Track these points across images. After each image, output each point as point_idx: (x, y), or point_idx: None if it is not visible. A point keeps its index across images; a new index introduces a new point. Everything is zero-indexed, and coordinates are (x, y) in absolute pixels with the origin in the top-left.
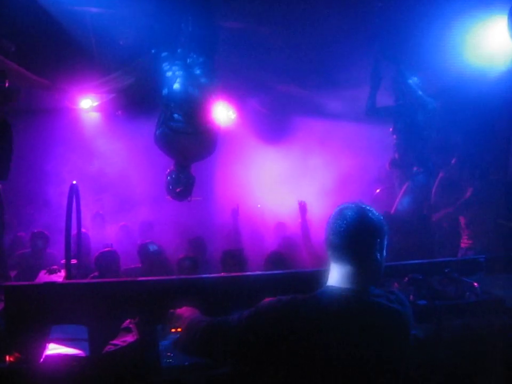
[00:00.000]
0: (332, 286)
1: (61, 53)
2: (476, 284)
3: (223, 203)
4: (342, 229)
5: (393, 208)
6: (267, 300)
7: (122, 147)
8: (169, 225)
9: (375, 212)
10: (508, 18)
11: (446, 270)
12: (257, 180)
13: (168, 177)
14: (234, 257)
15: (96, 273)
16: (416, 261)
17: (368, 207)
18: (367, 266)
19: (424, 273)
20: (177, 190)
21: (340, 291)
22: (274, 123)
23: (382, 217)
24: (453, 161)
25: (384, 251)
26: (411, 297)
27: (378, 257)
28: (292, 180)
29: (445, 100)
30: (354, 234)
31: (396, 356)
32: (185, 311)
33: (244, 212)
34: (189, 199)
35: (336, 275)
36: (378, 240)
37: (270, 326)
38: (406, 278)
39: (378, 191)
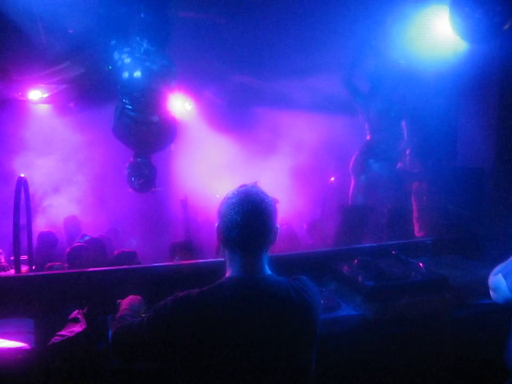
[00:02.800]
0: (227, 277)
1: (7, 41)
2: (421, 264)
3: (179, 194)
4: (228, 218)
5: (350, 199)
6: (168, 298)
7: (76, 139)
8: (130, 217)
9: (262, 195)
10: (450, 8)
11: (394, 252)
12: (214, 170)
13: (129, 170)
14: (183, 249)
15: (53, 264)
16: (366, 245)
17: (254, 191)
18: (260, 254)
19: (373, 255)
20: (140, 181)
21: (235, 283)
22: (230, 114)
23: (269, 200)
24: (407, 151)
25: (276, 237)
26: (360, 278)
27: (270, 244)
28: (249, 170)
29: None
30: (242, 223)
31: (295, 346)
32: (128, 300)
33: (201, 202)
34: (152, 189)
35: (231, 265)
36: (267, 225)
37: (167, 326)
38: (356, 261)
39: (332, 179)
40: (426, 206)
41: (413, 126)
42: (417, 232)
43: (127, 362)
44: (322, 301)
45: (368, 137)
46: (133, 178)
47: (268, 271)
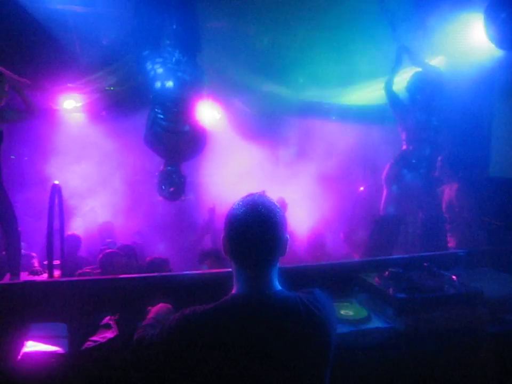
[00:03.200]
0: (233, 294)
1: (43, 52)
2: (454, 277)
3: (208, 202)
4: (233, 230)
5: (382, 208)
6: (175, 315)
7: (109, 148)
8: (159, 223)
9: (269, 205)
10: (484, 16)
11: (426, 264)
12: (242, 178)
13: (160, 178)
14: (211, 257)
15: (84, 270)
16: (397, 256)
17: (260, 201)
18: (267, 268)
19: (404, 267)
20: (170, 190)
21: (239, 300)
22: (259, 123)
23: (277, 209)
24: (439, 159)
25: (285, 248)
26: (391, 290)
27: (279, 256)
28: (277, 179)
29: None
30: (247, 236)
31: (305, 365)
32: (156, 308)
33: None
34: (182, 198)
35: (239, 280)
36: (275, 237)
37: (171, 343)
38: (386, 272)
39: (362, 188)
40: (458, 216)
41: (447, 135)
42: (451, 243)
43: (142, 372)
44: (352, 313)
45: (404, 147)
46: (163, 187)
47: (276, 286)
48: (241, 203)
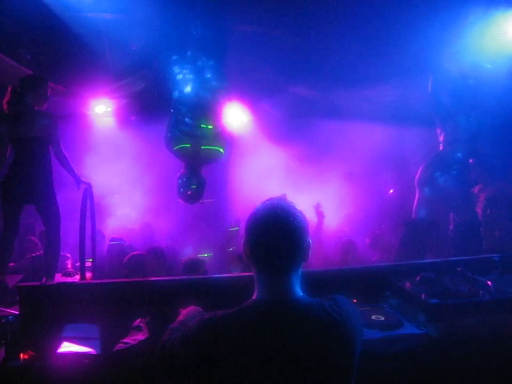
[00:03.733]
0: (253, 300)
1: (75, 59)
2: (489, 283)
3: (235, 206)
4: (254, 235)
5: (414, 211)
6: (195, 319)
7: (137, 152)
8: (185, 227)
9: (290, 209)
10: None
11: (459, 269)
12: (270, 182)
13: (179, 181)
14: (240, 261)
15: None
16: (429, 260)
17: (281, 205)
18: (289, 274)
19: (437, 272)
20: (189, 192)
21: (259, 307)
22: (287, 125)
23: (298, 214)
24: (470, 161)
25: (308, 253)
26: (423, 295)
27: (301, 262)
28: (306, 182)
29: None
30: (268, 241)
31: (328, 374)
32: (186, 311)
33: None
34: (200, 201)
35: (259, 286)
36: (296, 242)
37: (191, 347)
38: (418, 277)
39: (391, 191)
40: (490, 220)
41: (484, 137)
42: (486, 247)
43: (167, 375)
44: (383, 318)
45: (441, 148)
46: (182, 189)
47: (298, 292)
48: (261, 207)
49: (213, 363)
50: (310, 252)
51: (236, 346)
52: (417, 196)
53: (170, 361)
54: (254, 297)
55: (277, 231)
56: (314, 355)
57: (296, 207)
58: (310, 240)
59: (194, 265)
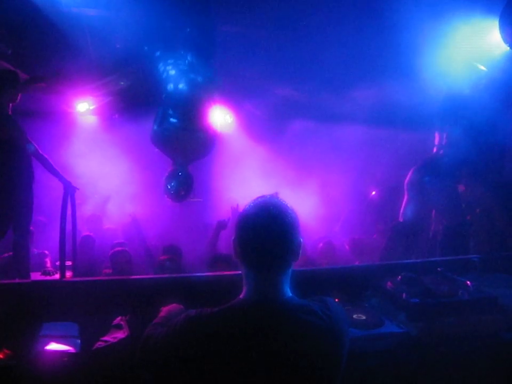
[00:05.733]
0: (240, 299)
1: (58, 55)
2: (468, 283)
3: (219, 206)
4: (244, 232)
5: (401, 214)
6: (181, 316)
7: (120, 150)
8: (172, 225)
9: (281, 206)
10: (500, 21)
11: (439, 269)
12: (254, 183)
13: (167, 178)
14: (223, 262)
15: (108, 270)
16: (410, 260)
17: (272, 202)
18: (278, 273)
19: (418, 272)
20: (176, 190)
21: (246, 306)
22: (270, 126)
23: (290, 211)
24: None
25: (299, 252)
26: (404, 295)
27: (291, 261)
28: (289, 183)
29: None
30: (257, 238)
31: (315, 375)
32: (167, 308)
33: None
34: (188, 199)
35: (247, 285)
36: (286, 240)
37: (177, 344)
38: (399, 277)
39: (373, 193)
40: (476, 222)
41: (471, 142)
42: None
43: (148, 371)
44: (364, 317)
45: (434, 151)
46: (169, 186)
47: (287, 292)
48: (252, 204)
49: (197, 360)
50: (300, 250)
51: (221, 345)
52: (405, 198)
53: (153, 356)
54: (241, 296)
55: (267, 229)
56: (302, 356)
57: (288, 205)
58: (301, 239)
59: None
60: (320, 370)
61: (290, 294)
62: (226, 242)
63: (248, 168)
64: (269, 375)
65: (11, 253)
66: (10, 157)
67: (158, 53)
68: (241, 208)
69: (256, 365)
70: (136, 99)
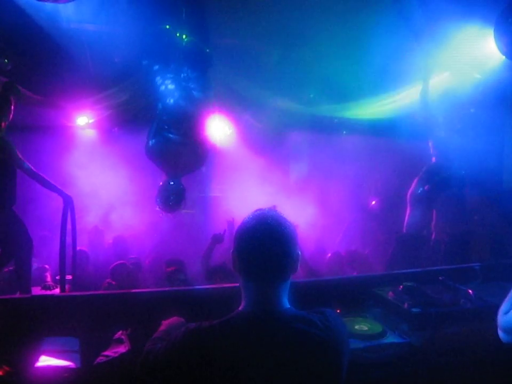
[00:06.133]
0: (239, 311)
1: (57, 70)
2: (470, 291)
3: (216, 218)
4: (242, 244)
5: (405, 225)
6: (181, 329)
7: (119, 163)
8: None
9: (279, 219)
10: (495, 30)
11: (441, 278)
12: (252, 194)
13: (159, 189)
14: (220, 273)
15: (110, 281)
16: (411, 270)
17: (270, 215)
18: (277, 285)
19: (419, 281)
20: (165, 200)
21: (245, 318)
22: (270, 138)
23: (288, 224)
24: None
25: (297, 265)
26: (406, 304)
27: (289, 273)
28: (289, 194)
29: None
30: (256, 251)
31: None
32: (168, 321)
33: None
34: (179, 210)
35: (246, 297)
36: (285, 252)
37: (176, 358)
38: (401, 286)
39: (374, 203)
40: (477, 231)
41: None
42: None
43: None
44: (366, 328)
45: (433, 159)
46: (161, 197)
47: (285, 304)
48: (251, 217)
49: (197, 374)
50: (298, 263)
51: (221, 358)
52: (408, 210)
53: (153, 371)
54: (240, 308)
55: (266, 241)
56: (302, 368)
57: (286, 218)
58: (299, 252)
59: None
60: (320, 381)
61: (289, 306)
62: (221, 255)
63: (247, 179)
64: None
65: (12, 268)
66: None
67: (156, 67)
68: (238, 221)
69: (256, 377)
70: (135, 113)
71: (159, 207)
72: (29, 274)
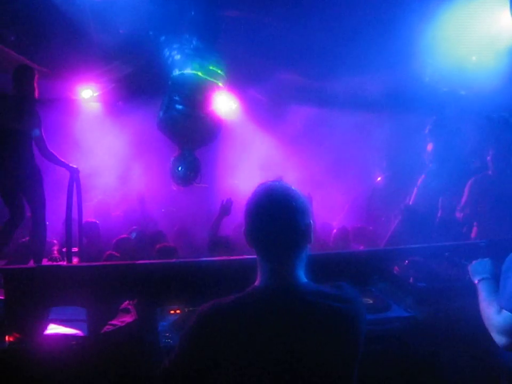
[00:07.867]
0: (255, 286)
1: (61, 41)
2: None
3: (223, 192)
4: (252, 219)
5: (411, 199)
6: (190, 319)
7: (124, 136)
8: (172, 212)
9: (287, 190)
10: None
11: (446, 254)
12: (258, 168)
13: (173, 163)
14: (221, 245)
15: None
16: (417, 245)
17: (278, 186)
18: (291, 257)
19: (425, 256)
20: (184, 174)
21: (264, 292)
22: (274, 112)
23: (297, 194)
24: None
25: (310, 235)
26: (411, 279)
27: (302, 244)
28: (293, 169)
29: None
30: (266, 224)
31: (334, 362)
32: None
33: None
34: (195, 183)
35: (262, 272)
36: (295, 223)
37: (195, 345)
38: (406, 261)
39: (379, 179)
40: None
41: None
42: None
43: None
44: (371, 301)
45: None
46: (176, 171)
47: (301, 278)
48: (258, 190)
49: (217, 354)
50: (311, 233)
51: (240, 334)
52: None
53: (175, 370)
54: (256, 283)
55: (274, 214)
56: (323, 341)
57: (293, 188)
58: (311, 221)
59: (168, 252)
60: (342, 352)
61: (305, 280)
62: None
63: (252, 153)
64: (290, 360)
65: (27, 238)
66: (16, 148)
67: (163, 38)
68: (246, 195)
69: (277, 351)
70: (140, 86)
71: (174, 180)
72: (42, 247)
